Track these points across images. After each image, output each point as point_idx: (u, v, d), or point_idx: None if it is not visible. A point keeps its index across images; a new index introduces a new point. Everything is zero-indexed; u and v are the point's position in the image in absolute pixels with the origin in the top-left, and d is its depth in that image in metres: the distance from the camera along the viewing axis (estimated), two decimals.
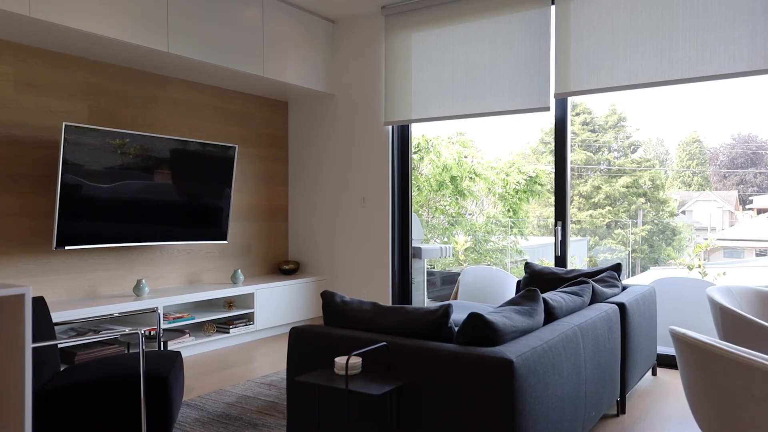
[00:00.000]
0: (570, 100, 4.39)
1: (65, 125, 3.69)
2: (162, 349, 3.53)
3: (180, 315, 4.38)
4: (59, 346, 3.48)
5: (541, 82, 4.33)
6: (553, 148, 4.43)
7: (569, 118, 4.42)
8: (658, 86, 3.92)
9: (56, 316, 3.54)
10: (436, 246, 5.93)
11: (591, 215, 13.89)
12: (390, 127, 5.12)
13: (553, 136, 4.43)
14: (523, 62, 4.41)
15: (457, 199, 10.45)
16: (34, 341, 2.51)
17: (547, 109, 4.32)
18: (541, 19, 4.33)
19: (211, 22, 4.29)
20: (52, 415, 2.48)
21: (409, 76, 4.95)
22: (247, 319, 4.84)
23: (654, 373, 3.91)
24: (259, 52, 4.65)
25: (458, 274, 6.28)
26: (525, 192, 10.79)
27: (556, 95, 4.26)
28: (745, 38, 3.61)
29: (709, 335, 2.13)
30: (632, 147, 15.06)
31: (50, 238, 3.93)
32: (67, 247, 3.81)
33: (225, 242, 4.88)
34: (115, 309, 3.85)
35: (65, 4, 3.44)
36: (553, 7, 4.28)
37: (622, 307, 3.11)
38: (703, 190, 14.83)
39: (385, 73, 5.08)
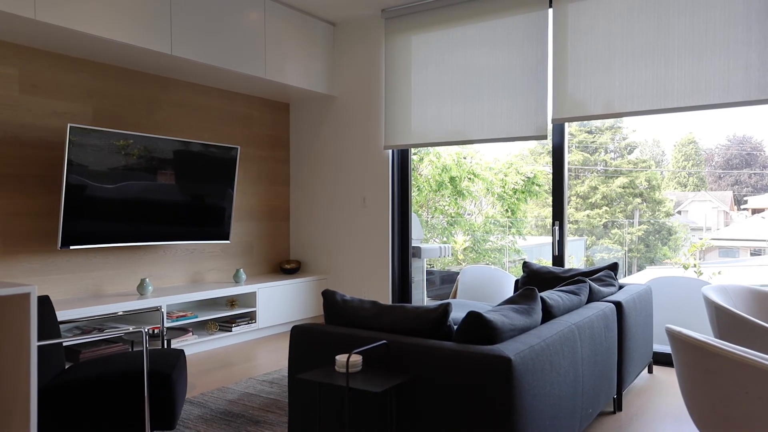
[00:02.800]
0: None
1: (70, 126, 3.73)
2: (165, 347, 3.58)
3: (183, 313, 4.42)
4: (64, 344, 3.51)
5: (539, 106, 4.36)
6: (551, 149, 4.49)
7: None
8: (653, 114, 3.96)
9: (61, 315, 3.58)
10: (435, 246, 5.96)
11: (588, 215, 13.93)
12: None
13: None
14: (521, 70, 4.44)
15: (456, 199, 10.49)
16: (39, 339, 2.54)
17: (545, 137, 4.37)
18: (539, 25, 4.37)
19: (213, 25, 4.33)
20: (57, 412, 2.51)
21: (408, 81, 4.99)
22: (249, 317, 4.88)
23: (650, 371, 3.94)
24: (260, 54, 4.69)
25: (457, 273, 6.32)
26: (523, 192, 10.82)
27: (553, 120, 4.31)
28: (739, 69, 3.65)
29: (704, 333, 2.16)
30: (629, 148, 15.08)
31: (55, 237, 3.97)
32: (71, 247, 3.84)
33: (227, 242, 4.92)
34: (119, 308, 3.88)
35: (70, 7, 3.48)
36: (551, 10, 4.32)
37: (618, 305, 3.13)
38: (699, 190, 14.86)
39: (385, 78, 5.12)
